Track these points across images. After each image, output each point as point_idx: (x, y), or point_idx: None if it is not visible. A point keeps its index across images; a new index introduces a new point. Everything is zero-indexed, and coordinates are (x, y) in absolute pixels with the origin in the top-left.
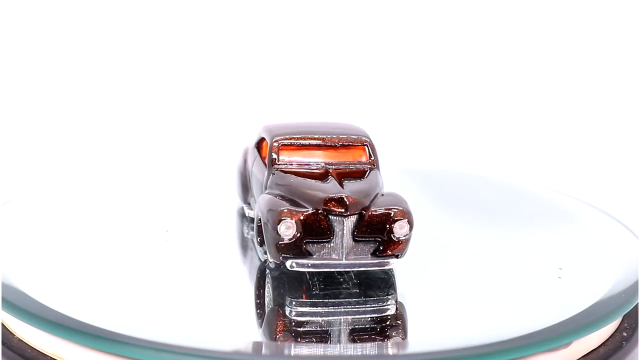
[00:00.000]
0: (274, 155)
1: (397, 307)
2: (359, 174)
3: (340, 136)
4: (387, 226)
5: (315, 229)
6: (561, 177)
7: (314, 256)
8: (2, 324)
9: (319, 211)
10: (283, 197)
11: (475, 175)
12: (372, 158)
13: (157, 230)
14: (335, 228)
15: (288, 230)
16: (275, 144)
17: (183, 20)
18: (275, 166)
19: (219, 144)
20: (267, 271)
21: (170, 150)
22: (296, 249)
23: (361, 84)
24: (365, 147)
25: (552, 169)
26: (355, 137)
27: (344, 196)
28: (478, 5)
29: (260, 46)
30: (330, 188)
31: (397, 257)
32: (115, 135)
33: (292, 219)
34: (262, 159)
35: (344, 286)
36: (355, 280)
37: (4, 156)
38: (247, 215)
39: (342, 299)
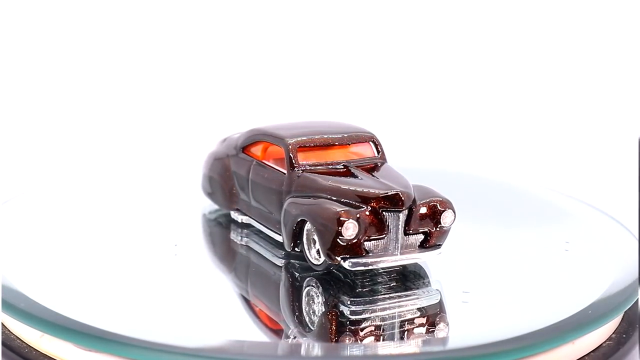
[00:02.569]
0: (293, 158)
1: (440, 297)
2: (375, 169)
3: (349, 134)
4: (436, 217)
5: (374, 227)
6: (560, 177)
7: (370, 254)
8: (2, 324)
9: (375, 208)
10: (321, 198)
11: (475, 175)
12: (381, 152)
13: (156, 228)
14: (389, 224)
15: (349, 230)
16: (292, 147)
17: (165, 26)
18: (298, 168)
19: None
20: (297, 274)
21: (168, 148)
22: (355, 248)
23: (361, 84)
24: (373, 142)
25: (551, 169)
26: (362, 133)
27: (399, 191)
28: (477, 6)
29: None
30: (376, 184)
31: (439, 246)
32: (114, 136)
33: (353, 219)
34: (262, 162)
35: (379, 280)
36: (391, 275)
37: (4, 156)
38: (240, 221)
39: (388, 294)
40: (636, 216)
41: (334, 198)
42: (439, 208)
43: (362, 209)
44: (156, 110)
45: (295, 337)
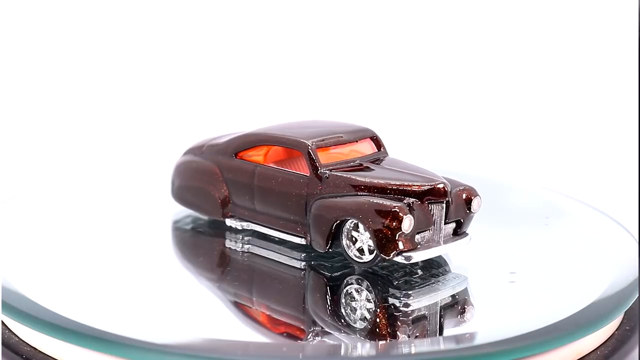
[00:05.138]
0: (316, 159)
1: (466, 285)
2: (389, 163)
3: (354, 132)
4: (468, 205)
5: (424, 219)
6: (560, 177)
7: (419, 246)
8: (3, 324)
9: (423, 201)
10: (360, 196)
11: (475, 175)
12: (383, 147)
13: (157, 231)
14: (435, 215)
15: (405, 225)
16: (312, 148)
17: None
18: (323, 169)
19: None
20: (329, 274)
21: (167, 147)
22: (409, 242)
23: (362, 84)
24: (374, 138)
25: (551, 169)
26: (364, 130)
27: (443, 183)
28: (477, 6)
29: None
30: (414, 178)
31: (466, 233)
32: (114, 136)
33: (409, 213)
34: (270, 166)
35: (406, 270)
36: (414, 266)
37: (4, 156)
38: (241, 227)
39: (423, 285)
40: (636, 216)
41: (376, 194)
42: (469, 196)
43: (414, 203)
44: (155, 110)
45: (319, 336)
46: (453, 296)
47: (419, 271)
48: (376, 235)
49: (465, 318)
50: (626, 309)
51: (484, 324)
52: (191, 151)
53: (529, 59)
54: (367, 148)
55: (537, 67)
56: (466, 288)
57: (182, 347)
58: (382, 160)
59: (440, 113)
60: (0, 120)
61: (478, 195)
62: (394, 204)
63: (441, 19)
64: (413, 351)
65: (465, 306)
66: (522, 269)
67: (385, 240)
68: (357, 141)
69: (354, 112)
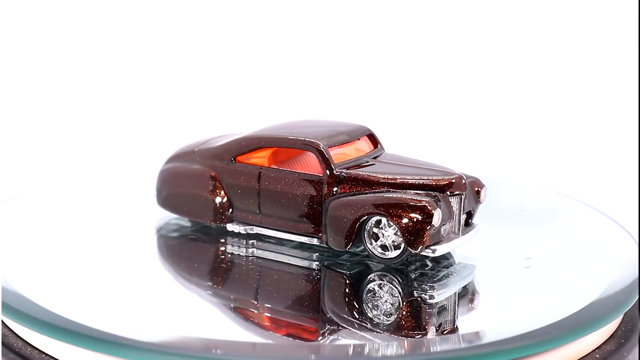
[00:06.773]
0: (330, 159)
1: (474, 276)
2: (392, 159)
3: (355, 130)
4: (478, 195)
5: (447, 212)
6: (560, 177)
7: (442, 239)
8: (2, 323)
9: (446, 195)
10: (382, 193)
11: (475, 175)
12: (380, 143)
13: (156, 231)
14: (454, 207)
15: (435, 219)
16: (324, 148)
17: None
18: (339, 169)
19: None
20: (348, 272)
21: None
22: (436, 235)
23: (361, 83)
24: (371, 135)
25: (551, 168)
26: (363, 128)
27: (462, 176)
28: (475, 7)
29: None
30: (431, 172)
31: (474, 223)
32: (114, 135)
33: (438, 207)
34: (277, 168)
35: (417, 264)
36: (423, 260)
37: (4, 156)
38: (245, 232)
39: (439, 280)
40: (636, 217)
41: (395, 190)
42: (478, 187)
43: (438, 196)
44: (156, 109)
45: (329, 333)
46: (465, 287)
47: (429, 263)
48: (405, 230)
49: (472, 306)
50: (626, 309)
51: (484, 323)
52: (177, 158)
53: (528, 58)
54: (367, 145)
55: (536, 66)
56: (472, 281)
57: (184, 348)
58: (385, 157)
59: (438, 112)
60: (0, 120)
61: (485, 186)
62: (423, 199)
63: (438, 17)
64: (416, 351)
65: (473, 297)
66: (522, 269)
67: (414, 235)
68: (358, 139)
69: (347, 110)
